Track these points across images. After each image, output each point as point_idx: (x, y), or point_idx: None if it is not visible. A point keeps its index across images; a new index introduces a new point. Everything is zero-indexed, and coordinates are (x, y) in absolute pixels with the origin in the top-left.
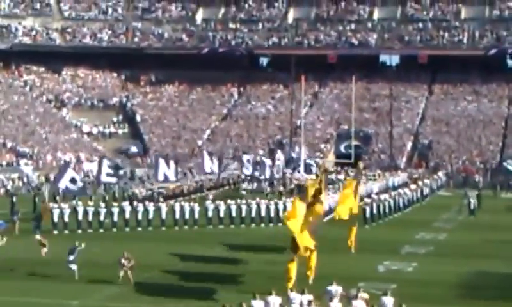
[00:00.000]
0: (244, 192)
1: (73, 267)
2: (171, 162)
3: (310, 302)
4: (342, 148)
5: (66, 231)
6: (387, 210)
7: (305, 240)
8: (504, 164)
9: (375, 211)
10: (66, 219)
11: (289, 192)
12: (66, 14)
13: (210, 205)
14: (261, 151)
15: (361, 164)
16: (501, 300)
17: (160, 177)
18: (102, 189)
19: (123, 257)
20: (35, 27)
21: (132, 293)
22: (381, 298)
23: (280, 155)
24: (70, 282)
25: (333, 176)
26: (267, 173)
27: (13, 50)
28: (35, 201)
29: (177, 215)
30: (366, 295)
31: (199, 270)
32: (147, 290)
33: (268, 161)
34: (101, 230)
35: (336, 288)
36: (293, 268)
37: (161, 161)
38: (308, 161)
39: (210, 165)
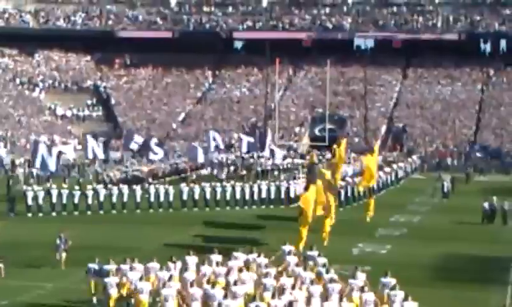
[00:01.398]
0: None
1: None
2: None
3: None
4: (316, 131)
5: (41, 214)
6: (361, 193)
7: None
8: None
9: (349, 194)
10: (40, 201)
11: (255, 176)
12: None
13: (184, 188)
14: (235, 135)
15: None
16: (473, 282)
17: (90, 155)
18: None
19: (59, 238)
20: (8, 9)
21: None
22: (381, 279)
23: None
24: (44, 265)
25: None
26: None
27: None
28: (9, 183)
29: (152, 198)
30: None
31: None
32: None
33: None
34: (75, 213)
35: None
36: (304, 231)
37: (90, 139)
38: (271, 147)
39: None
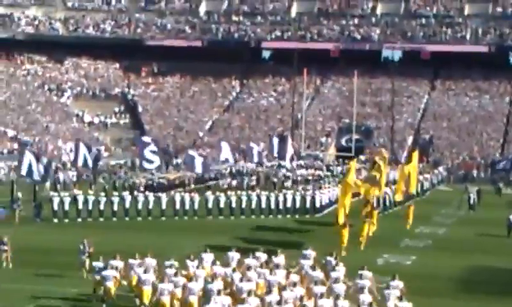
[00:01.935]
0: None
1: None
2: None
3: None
4: (343, 142)
5: (66, 220)
6: (387, 204)
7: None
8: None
9: (375, 204)
10: (66, 207)
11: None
12: (69, 4)
13: (210, 196)
14: (262, 144)
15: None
16: (497, 295)
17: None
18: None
19: (82, 245)
20: (38, 16)
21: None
22: (390, 282)
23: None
24: (70, 270)
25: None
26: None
27: (16, 40)
28: (35, 189)
29: (177, 206)
30: (370, 273)
31: None
32: None
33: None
34: (101, 219)
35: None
36: (345, 233)
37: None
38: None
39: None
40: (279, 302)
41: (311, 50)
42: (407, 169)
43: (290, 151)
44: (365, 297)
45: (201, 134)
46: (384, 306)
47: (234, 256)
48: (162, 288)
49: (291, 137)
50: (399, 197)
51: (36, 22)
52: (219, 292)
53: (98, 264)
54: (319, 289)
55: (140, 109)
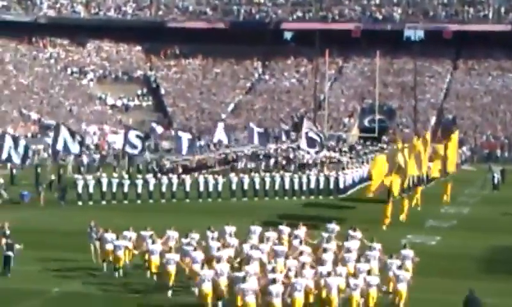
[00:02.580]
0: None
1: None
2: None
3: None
4: (365, 122)
5: (91, 202)
6: (411, 185)
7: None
8: None
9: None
10: (90, 190)
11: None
12: None
13: (234, 178)
14: (285, 126)
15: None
16: None
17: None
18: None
19: (89, 228)
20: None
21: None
22: (401, 251)
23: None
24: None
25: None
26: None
27: (38, 23)
28: (59, 172)
29: (201, 188)
30: (379, 245)
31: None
32: None
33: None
34: (125, 202)
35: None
36: (389, 208)
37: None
38: (310, 135)
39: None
40: (273, 270)
41: (332, 30)
42: (447, 148)
43: (305, 134)
44: (365, 266)
45: (223, 116)
46: (385, 275)
47: (256, 229)
48: (168, 258)
49: (313, 119)
50: (435, 174)
51: (58, 5)
52: (219, 260)
53: (111, 235)
54: (305, 258)
55: (162, 91)
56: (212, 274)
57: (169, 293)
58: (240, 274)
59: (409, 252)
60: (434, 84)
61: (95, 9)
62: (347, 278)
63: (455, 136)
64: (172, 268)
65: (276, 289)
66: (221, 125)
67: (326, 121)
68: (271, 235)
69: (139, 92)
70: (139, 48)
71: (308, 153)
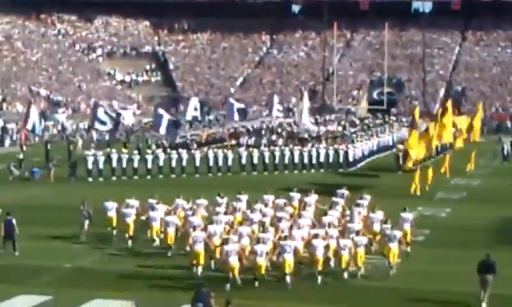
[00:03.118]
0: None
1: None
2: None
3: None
4: (374, 95)
5: (101, 179)
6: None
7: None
8: None
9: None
10: (100, 166)
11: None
12: None
13: (243, 153)
14: (294, 99)
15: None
16: None
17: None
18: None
19: (82, 206)
20: None
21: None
22: (401, 214)
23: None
24: (101, 228)
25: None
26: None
27: (46, 0)
28: (69, 148)
29: (211, 163)
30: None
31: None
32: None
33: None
34: (135, 177)
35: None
36: (416, 176)
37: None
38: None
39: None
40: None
41: (340, 3)
42: (471, 119)
43: (306, 108)
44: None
45: (232, 90)
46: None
47: (269, 198)
48: (167, 221)
49: (322, 92)
50: (459, 144)
51: None
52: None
53: (111, 204)
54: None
55: (171, 66)
56: (205, 236)
57: (169, 253)
58: (232, 237)
59: (409, 215)
60: (443, 55)
61: None
62: (338, 239)
63: (480, 108)
64: (171, 230)
65: (260, 248)
66: (194, 100)
67: (335, 94)
68: (279, 201)
69: (148, 67)
70: (146, 23)
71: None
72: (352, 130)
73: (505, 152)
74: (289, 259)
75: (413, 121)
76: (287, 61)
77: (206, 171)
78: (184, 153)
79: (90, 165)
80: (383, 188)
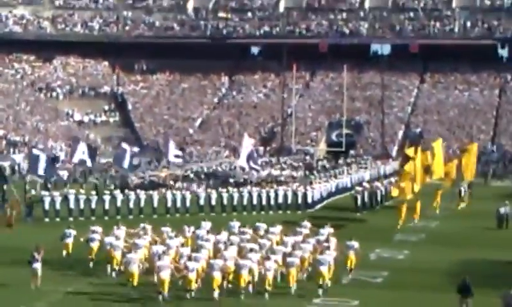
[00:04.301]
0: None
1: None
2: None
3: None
4: (333, 137)
5: (58, 219)
6: (379, 198)
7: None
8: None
9: (366, 199)
10: (57, 206)
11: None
12: (56, 3)
13: (201, 193)
14: (253, 140)
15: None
16: (491, 287)
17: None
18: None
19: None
20: (26, 15)
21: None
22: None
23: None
24: (58, 269)
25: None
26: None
27: (4, 39)
28: (26, 189)
29: (169, 204)
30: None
31: None
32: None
33: None
34: (92, 218)
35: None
36: (403, 209)
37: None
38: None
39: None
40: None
41: (300, 45)
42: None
43: (246, 150)
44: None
45: (191, 131)
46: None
47: (235, 224)
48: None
49: (281, 134)
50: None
51: (24, 21)
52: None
53: (70, 231)
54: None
55: (130, 107)
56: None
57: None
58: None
59: (354, 243)
60: (401, 98)
61: (62, 25)
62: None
63: (474, 148)
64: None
65: (192, 265)
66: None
67: (293, 135)
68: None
69: (106, 108)
70: (105, 63)
71: (253, 170)
72: (308, 172)
73: (463, 194)
74: (217, 277)
75: (404, 158)
76: (245, 102)
77: (164, 212)
78: (142, 194)
79: (47, 206)
80: (343, 229)
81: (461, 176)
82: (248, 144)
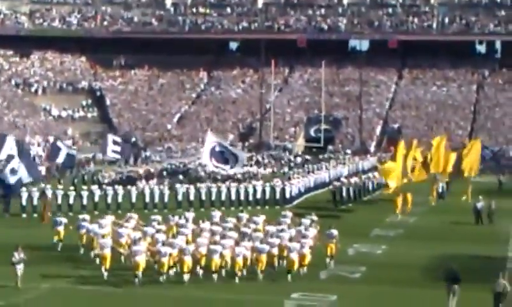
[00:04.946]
0: None
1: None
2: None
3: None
4: (311, 132)
5: (35, 215)
6: (357, 193)
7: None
8: None
9: (345, 194)
10: (35, 202)
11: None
12: None
13: (180, 189)
14: (231, 136)
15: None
16: (468, 282)
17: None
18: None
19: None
20: (3, 10)
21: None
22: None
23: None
24: (39, 264)
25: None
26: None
27: None
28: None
29: (147, 199)
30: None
31: None
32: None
33: None
34: (70, 214)
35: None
36: (399, 200)
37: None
38: (218, 149)
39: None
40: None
41: (278, 40)
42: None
43: (208, 147)
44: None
45: (169, 127)
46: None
47: (216, 214)
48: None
49: (259, 129)
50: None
51: (1, 16)
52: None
53: (60, 219)
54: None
55: (108, 102)
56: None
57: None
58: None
59: (333, 231)
60: (380, 93)
61: (39, 19)
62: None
63: (477, 143)
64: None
65: (164, 249)
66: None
67: (271, 131)
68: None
69: (84, 103)
70: (83, 58)
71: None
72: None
73: (441, 190)
74: (188, 261)
75: (395, 154)
76: (224, 98)
77: (142, 207)
78: (120, 189)
79: (24, 202)
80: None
81: (457, 171)
82: (211, 140)
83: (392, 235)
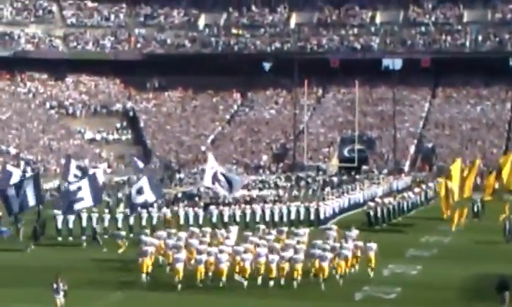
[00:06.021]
0: None
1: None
2: None
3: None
4: (345, 152)
5: (71, 238)
6: (391, 214)
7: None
8: None
9: (379, 214)
10: (70, 225)
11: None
12: (68, 21)
13: (214, 211)
14: (265, 157)
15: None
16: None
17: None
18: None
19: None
20: (38, 34)
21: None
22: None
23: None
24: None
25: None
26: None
27: (16, 58)
28: (39, 208)
29: (181, 221)
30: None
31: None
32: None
33: None
34: (105, 236)
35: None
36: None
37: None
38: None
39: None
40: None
41: (311, 60)
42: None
43: (211, 171)
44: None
45: (203, 148)
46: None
47: (260, 227)
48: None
49: (293, 149)
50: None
51: (36, 40)
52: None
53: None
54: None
55: (142, 124)
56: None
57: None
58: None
59: (373, 244)
60: (413, 112)
61: (73, 43)
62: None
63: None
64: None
65: (200, 257)
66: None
67: (305, 151)
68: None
69: (118, 125)
70: (117, 81)
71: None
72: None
73: (476, 209)
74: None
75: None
76: (257, 119)
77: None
78: (154, 212)
79: (60, 225)
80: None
81: (501, 187)
82: (212, 164)
83: (426, 255)
